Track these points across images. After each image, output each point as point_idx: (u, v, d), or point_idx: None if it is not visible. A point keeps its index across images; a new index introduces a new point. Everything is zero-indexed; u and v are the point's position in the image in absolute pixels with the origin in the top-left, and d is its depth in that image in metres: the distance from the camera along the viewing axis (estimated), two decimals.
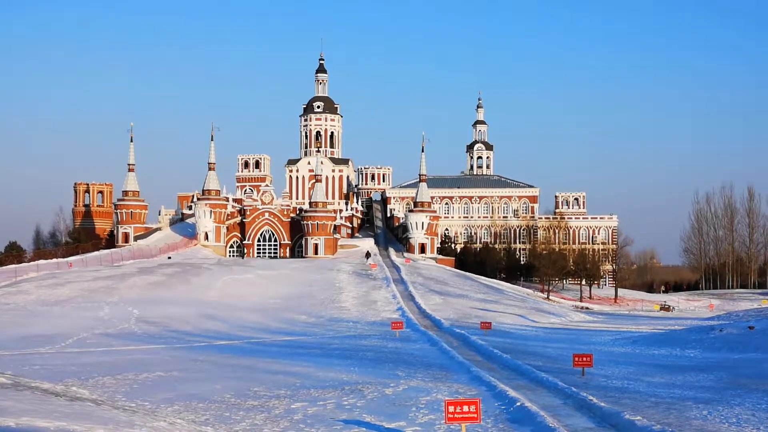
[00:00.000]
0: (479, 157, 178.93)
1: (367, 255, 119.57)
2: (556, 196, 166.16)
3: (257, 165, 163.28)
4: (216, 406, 23.37)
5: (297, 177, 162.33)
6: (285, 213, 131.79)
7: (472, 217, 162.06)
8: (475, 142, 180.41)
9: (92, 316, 60.36)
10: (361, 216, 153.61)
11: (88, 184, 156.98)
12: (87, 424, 14.36)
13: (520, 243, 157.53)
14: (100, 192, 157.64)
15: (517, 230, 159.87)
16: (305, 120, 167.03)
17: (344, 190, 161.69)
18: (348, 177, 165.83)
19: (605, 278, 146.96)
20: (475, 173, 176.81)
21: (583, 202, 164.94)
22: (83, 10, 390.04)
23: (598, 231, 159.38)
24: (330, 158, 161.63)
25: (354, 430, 19.66)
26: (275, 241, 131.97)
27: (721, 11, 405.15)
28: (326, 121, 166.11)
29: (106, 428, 14.32)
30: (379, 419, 21.14)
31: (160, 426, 16.66)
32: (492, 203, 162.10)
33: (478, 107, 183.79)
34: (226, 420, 21.13)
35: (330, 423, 20.67)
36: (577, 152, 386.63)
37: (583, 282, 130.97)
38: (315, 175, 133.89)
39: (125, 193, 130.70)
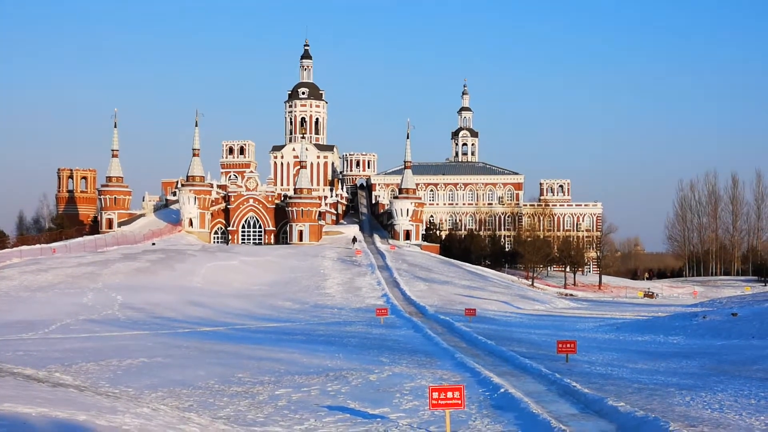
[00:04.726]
0: (464, 144, 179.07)
1: (354, 240, 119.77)
2: (540, 183, 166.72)
3: (242, 151, 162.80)
4: (200, 393, 23.31)
5: (282, 163, 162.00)
6: (270, 199, 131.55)
7: (457, 204, 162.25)
8: (460, 128, 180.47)
9: (76, 302, 60.19)
10: (346, 203, 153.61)
11: (71, 170, 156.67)
12: (69, 410, 14.29)
13: (504, 230, 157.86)
14: (84, 178, 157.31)
15: (502, 217, 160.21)
16: (290, 106, 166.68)
17: (329, 177, 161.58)
18: (333, 163, 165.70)
19: (589, 265, 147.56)
20: (460, 160, 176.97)
21: (568, 189, 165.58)
22: None
23: (583, 218, 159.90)
24: (315, 145, 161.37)
25: (338, 417, 19.65)
26: (260, 227, 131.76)
27: None
28: (311, 107, 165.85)
29: (88, 414, 14.25)
30: (364, 405, 21.14)
31: (144, 412, 16.59)
32: (477, 190, 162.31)
33: (463, 94, 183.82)
34: (210, 406, 21.08)
35: (314, 409, 20.65)
36: (562, 139, 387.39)
37: (568, 269, 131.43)
38: (300, 162, 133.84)
39: (109, 179, 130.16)
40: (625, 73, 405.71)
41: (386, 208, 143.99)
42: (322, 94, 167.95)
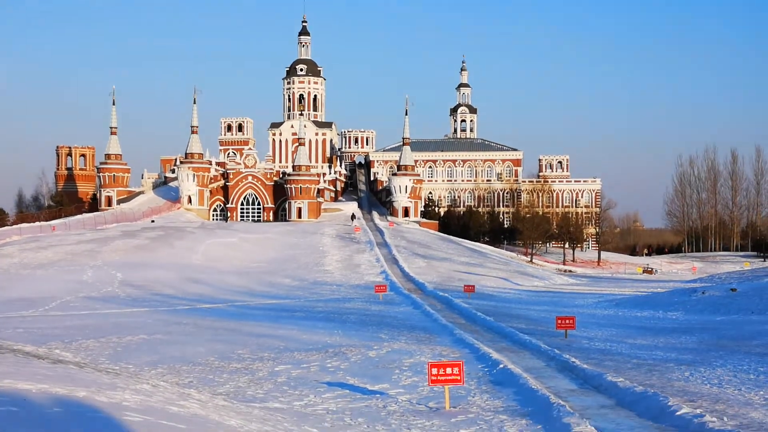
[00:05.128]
0: (463, 121, 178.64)
1: (353, 217, 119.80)
2: (539, 160, 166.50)
3: (240, 128, 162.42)
4: (200, 369, 23.34)
5: (280, 140, 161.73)
6: (268, 176, 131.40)
7: (455, 180, 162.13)
8: (459, 105, 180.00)
9: (76, 279, 60.24)
10: (344, 180, 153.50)
11: (70, 148, 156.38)
12: (69, 387, 14.30)
13: (503, 206, 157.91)
14: (83, 155, 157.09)
15: (501, 193, 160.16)
16: (288, 83, 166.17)
17: (327, 154, 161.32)
18: (331, 140, 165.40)
19: (588, 241, 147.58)
20: (458, 136, 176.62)
21: (567, 165, 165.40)
22: None
23: (582, 194, 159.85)
24: (313, 121, 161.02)
25: (338, 393, 19.68)
26: (259, 204, 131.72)
27: None
28: (309, 84, 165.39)
29: (88, 390, 14.25)
30: (363, 381, 21.16)
31: (143, 388, 16.61)
32: (476, 167, 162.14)
33: (461, 70, 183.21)
34: (209, 382, 21.11)
35: (314, 385, 20.67)
36: (561, 115, 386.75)
37: (567, 245, 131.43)
38: (298, 139, 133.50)
39: (108, 156, 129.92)
40: (624, 49, 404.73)
41: (385, 185, 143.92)
42: (320, 70, 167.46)
